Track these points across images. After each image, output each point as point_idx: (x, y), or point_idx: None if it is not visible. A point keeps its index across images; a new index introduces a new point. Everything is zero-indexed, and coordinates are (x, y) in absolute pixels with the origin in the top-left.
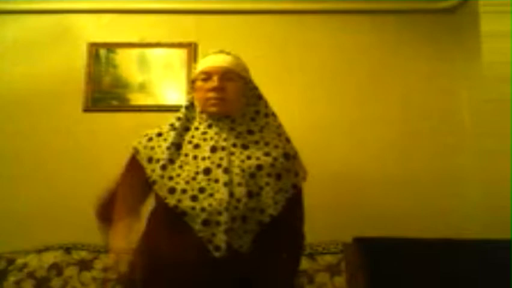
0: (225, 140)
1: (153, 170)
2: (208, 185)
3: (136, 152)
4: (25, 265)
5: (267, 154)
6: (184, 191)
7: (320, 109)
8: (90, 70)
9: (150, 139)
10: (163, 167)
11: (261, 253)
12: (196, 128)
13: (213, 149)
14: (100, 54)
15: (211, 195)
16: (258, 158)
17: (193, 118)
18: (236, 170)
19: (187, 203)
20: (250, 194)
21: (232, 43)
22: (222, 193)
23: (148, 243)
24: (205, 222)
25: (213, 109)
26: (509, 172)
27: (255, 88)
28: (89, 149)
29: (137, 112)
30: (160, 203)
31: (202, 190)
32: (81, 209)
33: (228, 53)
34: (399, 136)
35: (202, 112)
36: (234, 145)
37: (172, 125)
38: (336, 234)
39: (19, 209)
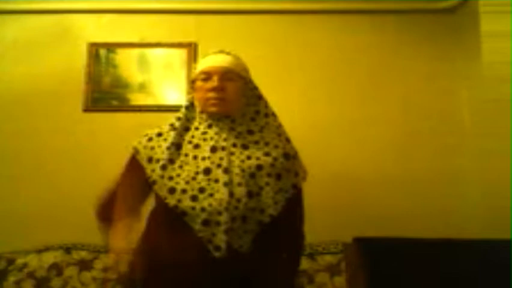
0: (225, 140)
1: (153, 170)
2: (208, 185)
3: (136, 152)
4: (25, 265)
5: (267, 154)
6: (184, 191)
7: (320, 109)
8: (90, 70)
9: (150, 139)
10: (163, 167)
11: (261, 253)
12: (196, 128)
13: (213, 149)
14: (100, 54)
15: (211, 195)
16: (258, 158)
17: (193, 118)
18: (236, 170)
19: (187, 203)
20: (250, 194)
21: (232, 43)
22: (222, 193)
23: (148, 243)
24: (205, 222)
25: (213, 109)
26: (509, 172)
27: (255, 88)
28: (89, 149)
29: (137, 112)
30: (160, 203)
31: (202, 190)
32: (81, 209)
33: (228, 53)
34: (399, 136)
35: (202, 112)
36: (234, 145)
37: (172, 125)
38: (336, 234)
39: (19, 209)
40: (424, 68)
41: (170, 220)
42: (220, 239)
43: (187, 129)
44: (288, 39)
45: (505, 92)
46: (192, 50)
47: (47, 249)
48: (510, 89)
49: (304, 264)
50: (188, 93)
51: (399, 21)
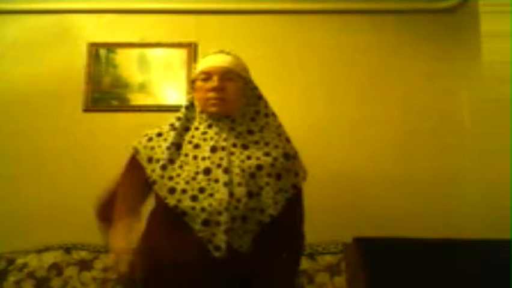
0: (225, 140)
1: (153, 170)
2: (208, 185)
3: (136, 152)
4: (25, 265)
5: (267, 154)
6: (184, 191)
7: (320, 109)
8: (90, 70)
9: (150, 139)
10: (163, 167)
11: (261, 253)
12: (196, 128)
13: (213, 149)
14: (100, 54)
15: (211, 195)
16: (258, 158)
17: (193, 118)
18: (236, 170)
19: (187, 203)
20: (250, 194)
21: (232, 43)
22: (222, 193)
23: (148, 243)
24: (205, 222)
25: (213, 109)
26: (509, 172)
27: (255, 88)
28: (89, 149)
29: (137, 112)
30: (160, 203)
31: (202, 190)
32: (81, 209)
33: (228, 53)
34: (399, 136)
35: (202, 112)
36: (234, 145)
37: (172, 125)
38: (336, 234)
39: (19, 209)
40: (424, 68)
41: (170, 220)
42: (220, 239)
43: (187, 129)
44: (288, 39)
45: (505, 92)
46: (192, 50)
47: (47, 249)
48: (510, 89)
49: (304, 264)
50: (188, 93)
51: (399, 21)
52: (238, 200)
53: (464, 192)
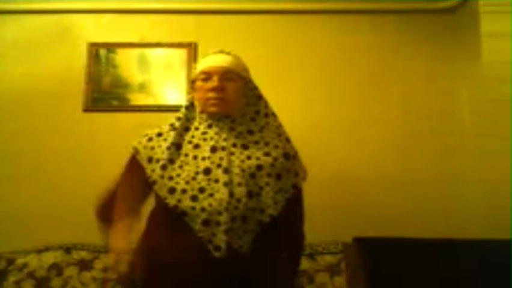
0: (225, 140)
1: (153, 170)
2: (208, 185)
3: (136, 152)
4: (25, 265)
5: (267, 154)
6: (184, 191)
7: (320, 109)
8: (90, 70)
9: (150, 139)
10: (163, 167)
11: (261, 253)
12: (196, 128)
13: (213, 149)
14: (100, 54)
15: (211, 195)
16: (258, 158)
17: (193, 118)
18: (236, 170)
19: (187, 203)
20: (250, 194)
21: (232, 43)
22: (222, 193)
23: (148, 243)
24: (205, 222)
25: (213, 109)
26: (509, 172)
27: (255, 88)
28: (89, 149)
29: (137, 112)
30: (160, 203)
31: (202, 190)
32: (81, 209)
33: (228, 53)
34: (399, 136)
35: (202, 112)
36: (234, 145)
37: (172, 125)
38: (336, 234)
39: (19, 209)
40: (424, 68)
41: (170, 220)
42: (220, 239)
43: (187, 129)
44: (288, 39)
45: (505, 92)
46: (192, 50)
47: (47, 249)
48: (510, 89)
49: (304, 264)
50: (189, 93)
51: (399, 21)
52: (238, 200)
53: (464, 192)
